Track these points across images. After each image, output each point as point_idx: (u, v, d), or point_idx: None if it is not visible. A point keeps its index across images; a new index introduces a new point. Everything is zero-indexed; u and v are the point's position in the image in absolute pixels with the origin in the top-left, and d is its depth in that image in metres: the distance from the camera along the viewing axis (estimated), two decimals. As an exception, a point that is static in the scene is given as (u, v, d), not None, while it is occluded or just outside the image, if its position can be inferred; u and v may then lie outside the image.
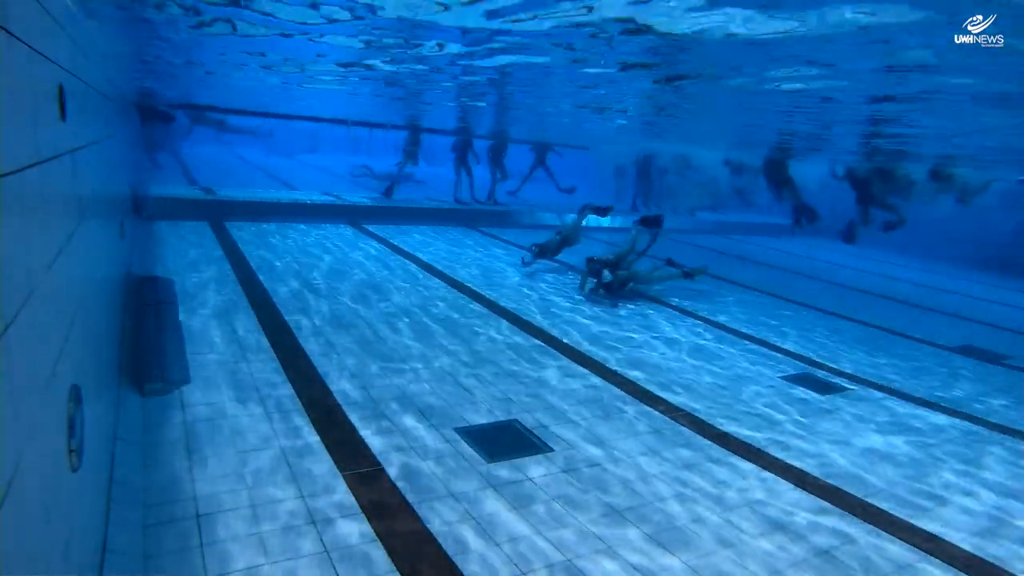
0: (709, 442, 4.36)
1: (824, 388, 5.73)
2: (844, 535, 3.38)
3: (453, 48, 5.87)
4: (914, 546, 3.34)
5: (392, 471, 3.58)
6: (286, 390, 4.51)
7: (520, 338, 6.25)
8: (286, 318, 6.12)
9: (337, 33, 5.77)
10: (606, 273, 7.90)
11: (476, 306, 7.30)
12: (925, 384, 6.17)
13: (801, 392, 5.57)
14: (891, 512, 3.67)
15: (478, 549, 2.96)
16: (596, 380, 5.33)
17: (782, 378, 5.89)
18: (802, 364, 6.40)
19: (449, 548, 2.95)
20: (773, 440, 4.50)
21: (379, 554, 2.85)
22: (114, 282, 4.31)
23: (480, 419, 4.35)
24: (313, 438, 3.86)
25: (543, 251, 9.39)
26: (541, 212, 15.76)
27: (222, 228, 10.48)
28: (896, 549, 3.30)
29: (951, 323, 9.41)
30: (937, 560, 3.24)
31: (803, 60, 4.99)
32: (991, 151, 9.52)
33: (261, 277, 7.57)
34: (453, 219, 14.34)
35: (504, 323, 6.72)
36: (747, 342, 6.96)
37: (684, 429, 4.53)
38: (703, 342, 6.81)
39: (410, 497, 3.33)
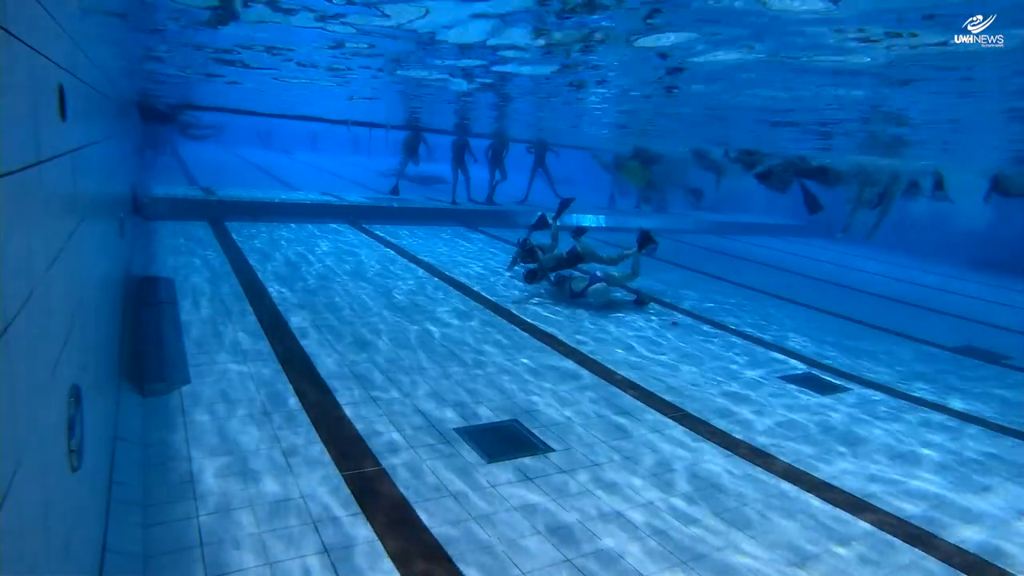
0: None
1: (823, 387, 5.74)
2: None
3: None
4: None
5: (397, 481, 3.59)
6: (286, 390, 4.51)
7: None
8: (286, 318, 6.12)
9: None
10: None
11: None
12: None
13: (800, 390, 5.58)
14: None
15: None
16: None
17: (781, 378, 5.90)
18: (804, 364, 6.41)
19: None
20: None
21: (380, 553, 2.86)
22: (114, 282, 4.30)
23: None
24: (313, 438, 3.86)
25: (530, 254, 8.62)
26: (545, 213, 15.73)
27: (222, 228, 10.48)
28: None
29: (952, 323, 9.42)
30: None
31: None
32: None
33: (261, 277, 7.57)
34: (454, 219, 14.33)
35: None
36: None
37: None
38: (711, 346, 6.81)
39: (409, 496, 3.34)
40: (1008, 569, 3.22)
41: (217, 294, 6.65)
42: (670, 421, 4.66)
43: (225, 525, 2.94)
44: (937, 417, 5.28)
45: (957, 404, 5.65)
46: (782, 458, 4.22)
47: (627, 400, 4.98)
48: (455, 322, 6.57)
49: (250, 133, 30.10)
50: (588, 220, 15.87)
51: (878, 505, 3.73)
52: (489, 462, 3.80)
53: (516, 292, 8.14)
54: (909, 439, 4.74)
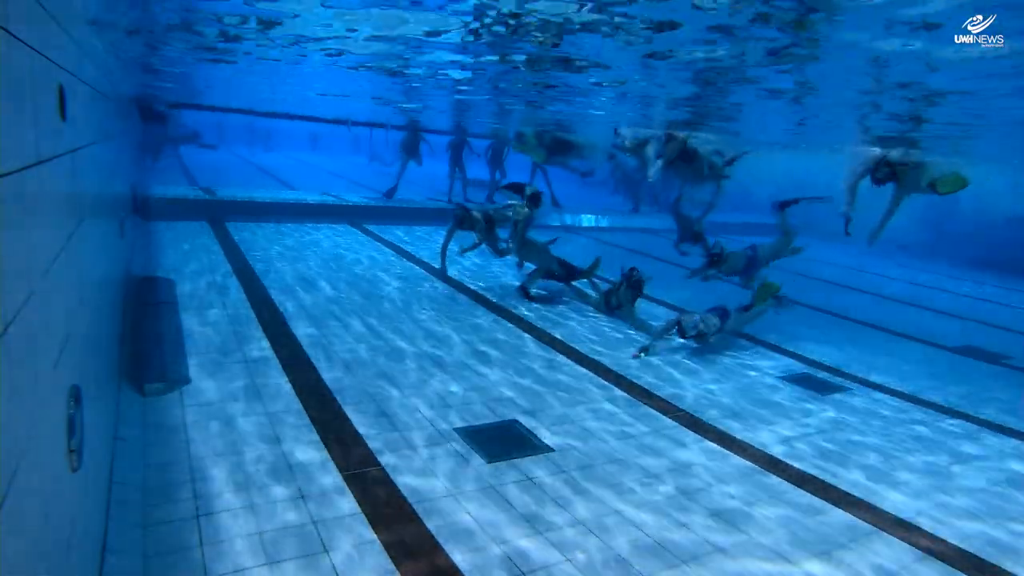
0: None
1: (823, 387, 5.74)
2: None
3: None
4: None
5: (399, 483, 3.59)
6: (286, 389, 4.51)
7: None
8: (287, 318, 6.11)
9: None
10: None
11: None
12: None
13: (799, 391, 5.58)
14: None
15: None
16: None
17: (782, 378, 5.90)
18: (802, 365, 6.41)
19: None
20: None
21: (379, 553, 2.86)
22: (114, 282, 4.31)
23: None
24: (313, 438, 3.86)
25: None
26: (546, 213, 15.69)
27: (222, 228, 10.47)
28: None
29: (951, 323, 9.41)
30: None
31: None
32: None
33: (260, 276, 7.57)
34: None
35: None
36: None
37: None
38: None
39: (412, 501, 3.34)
40: None
41: (217, 293, 6.65)
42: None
43: (225, 525, 2.94)
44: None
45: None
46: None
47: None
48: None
49: (244, 133, 30.01)
50: (586, 220, 15.86)
51: (878, 505, 3.71)
52: (489, 462, 3.80)
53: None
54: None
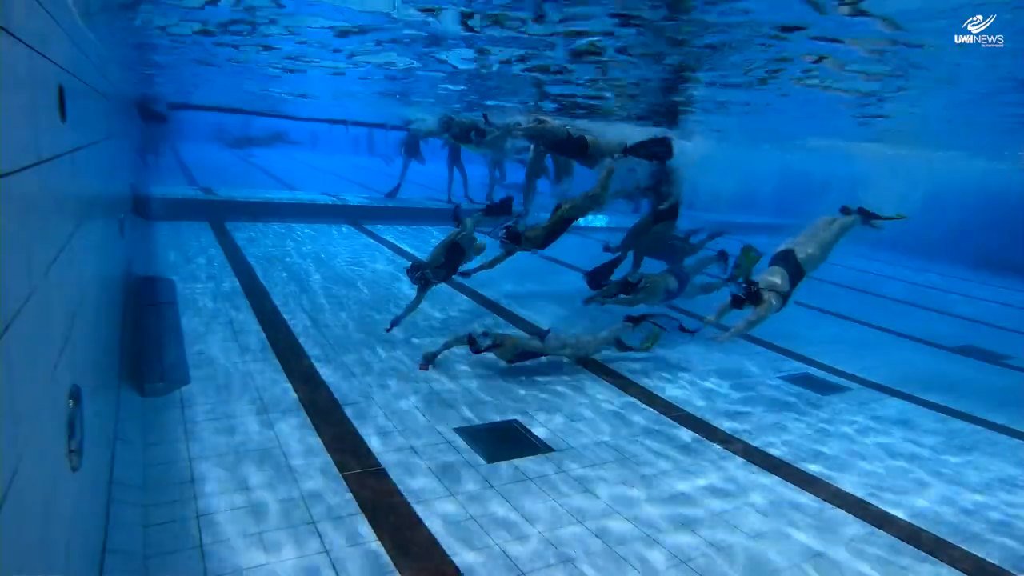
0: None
1: (822, 387, 5.74)
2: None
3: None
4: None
5: (398, 482, 3.59)
6: (286, 389, 4.51)
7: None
8: (286, 318, 6.11)
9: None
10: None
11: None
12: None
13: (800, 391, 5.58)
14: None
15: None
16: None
17: (782, 378, 5.90)
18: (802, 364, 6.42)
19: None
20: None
21: (382, 556, 2.86)
22: (114, 282, 4.30)
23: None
24: (312, 437, 3.86)
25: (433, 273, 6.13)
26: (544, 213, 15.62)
27: (222, 228, 10.46)
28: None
29: (951, 323, 9.41)
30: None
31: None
32: None
33: (261, 277, 7.56)
34: (451, 218, 14.23)
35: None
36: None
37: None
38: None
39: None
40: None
41: (217, 294, 6.64)
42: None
43: (225, 524, 2.94)
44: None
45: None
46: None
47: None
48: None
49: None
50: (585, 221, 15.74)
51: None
52: (488, 462, 3.80)
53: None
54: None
